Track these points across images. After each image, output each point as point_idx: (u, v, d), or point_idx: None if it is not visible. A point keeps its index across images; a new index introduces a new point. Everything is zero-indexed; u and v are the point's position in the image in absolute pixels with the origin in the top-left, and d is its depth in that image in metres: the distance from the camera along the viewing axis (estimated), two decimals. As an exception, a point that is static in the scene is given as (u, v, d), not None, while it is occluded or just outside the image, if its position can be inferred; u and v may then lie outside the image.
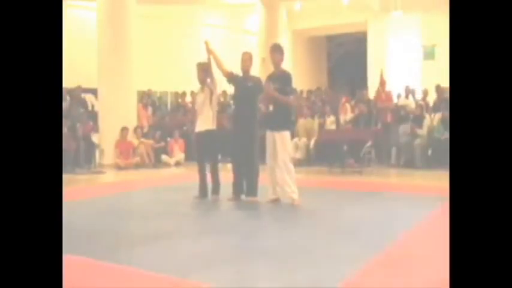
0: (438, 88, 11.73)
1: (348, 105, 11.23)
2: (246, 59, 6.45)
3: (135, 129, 11.24)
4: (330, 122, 10.96)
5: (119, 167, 10.64)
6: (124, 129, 10.87)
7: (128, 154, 10.92)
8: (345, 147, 9.77)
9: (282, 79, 6.09)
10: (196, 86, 6.92)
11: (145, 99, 13.22)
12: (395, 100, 12.33)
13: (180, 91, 14.47)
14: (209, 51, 6.53)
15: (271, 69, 6.51)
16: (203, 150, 6.61)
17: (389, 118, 10.88)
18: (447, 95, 11.33)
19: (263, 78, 6.70)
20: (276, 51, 6.25)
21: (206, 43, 6.58)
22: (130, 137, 11.07)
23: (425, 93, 11.50)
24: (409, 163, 9.95)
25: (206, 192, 6.59)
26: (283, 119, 6.08)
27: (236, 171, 6.45)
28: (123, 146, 10.89)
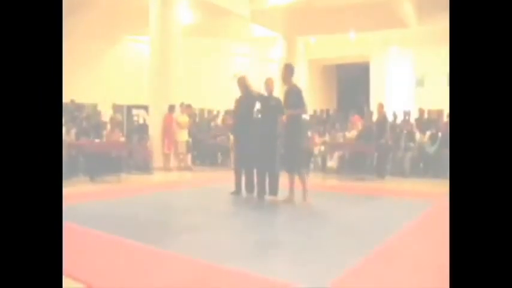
0: (420, 110, 11.91)
1: (359, 124, 11.13)
2: (270, 83, 6.58)
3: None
4: (351, 135, 10.80)
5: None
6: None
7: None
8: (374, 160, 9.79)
9: (294, 93, 6.16)
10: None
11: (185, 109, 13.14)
12: (390, 119, 12.24)
13: (212, 108, 14.62)
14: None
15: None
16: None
17: (388, 135, 10.82)
18: (432, 115, 11.51)
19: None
20: (287, 69, 6.32)
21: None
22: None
23: (409, 114, 11.49)
24: (408, 172, 9.94)
25: (240, 190, 6.80)
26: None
27: (259, 175, 6.56)
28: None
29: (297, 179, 6.18)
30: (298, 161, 6.24)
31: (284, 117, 6.17)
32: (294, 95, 6.14)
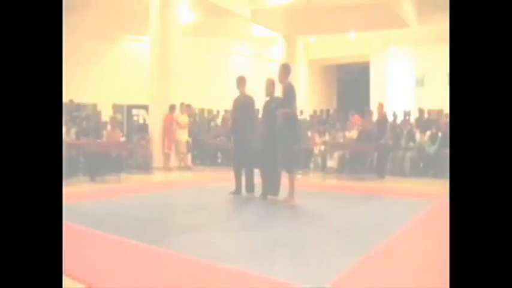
0: (420, 110, 11.89)
1: (359, 123, 11.11)
2: (270, 84, 6.50)
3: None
4: (351, 135, 10.80)
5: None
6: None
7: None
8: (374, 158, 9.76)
9: (287, 92, 6.12)
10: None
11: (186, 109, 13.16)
12: (390, 119, 12.24)
13: (212, 108, 14.62)
14: None
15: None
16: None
17: (388, 135, 10.82)
18: (432, 115, 11.47)
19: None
20: (282, 69, 6.30)
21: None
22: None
23: (409, 114, 11.49)
24: (408, 171, 9.94)
25: (240, 190, 6.80)
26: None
27: (263, 175, 6.55)
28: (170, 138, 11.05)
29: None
30: (291, 159, 6.22)
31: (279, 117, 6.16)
32: (287, 94, 6.13)
